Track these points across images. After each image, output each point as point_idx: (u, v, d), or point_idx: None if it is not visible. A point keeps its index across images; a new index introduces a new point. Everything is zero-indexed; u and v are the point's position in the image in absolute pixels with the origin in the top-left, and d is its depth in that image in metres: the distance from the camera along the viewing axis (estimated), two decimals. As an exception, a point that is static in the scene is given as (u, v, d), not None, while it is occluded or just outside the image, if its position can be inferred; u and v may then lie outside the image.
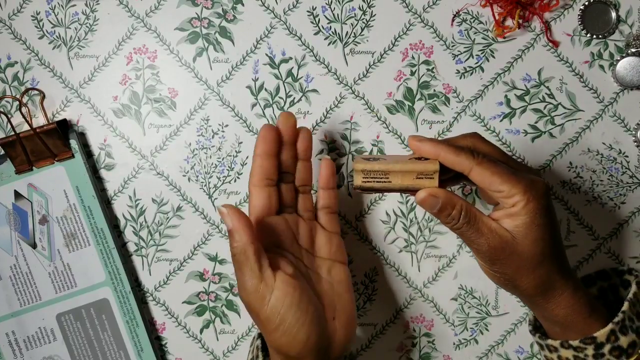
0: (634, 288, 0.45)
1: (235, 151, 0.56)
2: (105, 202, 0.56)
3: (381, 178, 0.41)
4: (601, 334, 0.42)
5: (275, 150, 0.46)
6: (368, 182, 0.41)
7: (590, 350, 0.42)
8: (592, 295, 0.50)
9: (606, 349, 0.42)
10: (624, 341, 0.42)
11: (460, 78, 0.54)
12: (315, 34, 0.55)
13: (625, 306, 0.43)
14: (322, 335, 0.44)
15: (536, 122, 0.55)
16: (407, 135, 0.55)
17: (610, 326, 0.42)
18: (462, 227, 0.41)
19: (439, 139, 0.41)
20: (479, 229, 0.40)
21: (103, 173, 0.56)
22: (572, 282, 0.42)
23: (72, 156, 0.54)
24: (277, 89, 0.55)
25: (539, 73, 0.54)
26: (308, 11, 0.54)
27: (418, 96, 0.55)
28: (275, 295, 0.42)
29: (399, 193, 0.53)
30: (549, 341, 0.45)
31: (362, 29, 0.54)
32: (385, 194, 0.55)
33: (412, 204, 0.56)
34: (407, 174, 0.40)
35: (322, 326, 0.44)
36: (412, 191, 0.41)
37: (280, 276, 0.43)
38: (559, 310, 0.42)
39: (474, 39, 0.54)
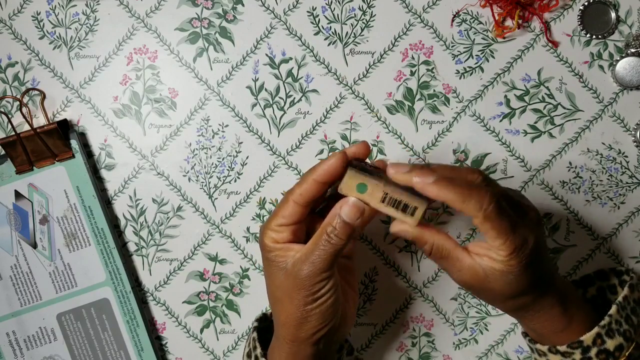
0: (625, 291, 0.45)
1: (236, 151, 0.56)
2: (106, 202, 0.56)
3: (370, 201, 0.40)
4: (587, 337, 0.42)
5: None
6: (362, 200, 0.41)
7: (577, 355, 0.43)
8: (590, 295, 0.51)
9: (593, 352, 0.42)
10: (610, 344, 0.42)
11: (460, 78, 0.54)
12: (315, 34, 0.55)
13: (613, 310, 0.43)
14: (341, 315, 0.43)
15: (536, 122, 0.55)
16: (408, 136, 0.55)
17: (596, 329, 0.42)
18: (433, 260, 0.41)
19: (445, 178, 0.38)
20: (453, 265, 0.41)
21: (103, 173, 0.56)
22: (549, 300, 0.42)
23: (73, 156, 0.54)
24: (277, 89, 0.55)
25: (539, 73, 0.54)
26: (308, 11, 0.54)
27: (418, 96, 0.55)
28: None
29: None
30: (538, 346, 0.45)
31: (362, 29, 0.54)
32: None
33: (412, 204, 0.56)
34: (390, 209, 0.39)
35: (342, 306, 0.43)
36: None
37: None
38: (534, 324, 0.44)
39: (474, 39, 0.54)
